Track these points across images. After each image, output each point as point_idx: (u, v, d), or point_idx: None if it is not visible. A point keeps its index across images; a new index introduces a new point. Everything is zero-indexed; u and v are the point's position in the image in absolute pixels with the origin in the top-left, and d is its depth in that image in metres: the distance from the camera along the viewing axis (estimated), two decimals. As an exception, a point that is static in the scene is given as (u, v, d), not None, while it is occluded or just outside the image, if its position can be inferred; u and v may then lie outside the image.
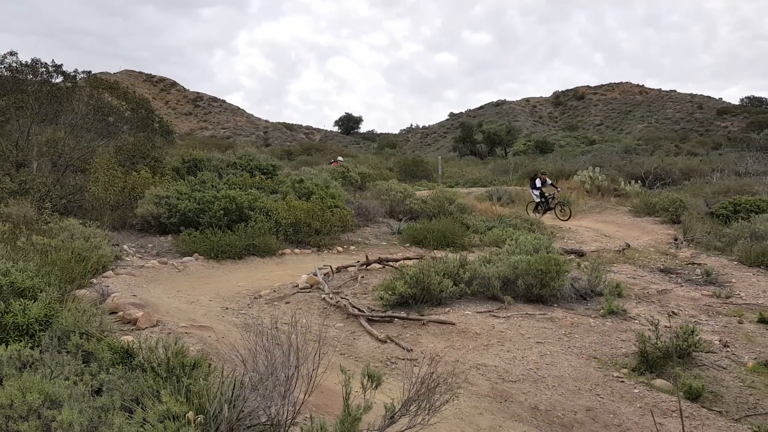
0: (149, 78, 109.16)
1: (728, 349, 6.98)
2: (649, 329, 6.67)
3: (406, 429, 3.11)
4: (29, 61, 15.91)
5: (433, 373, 3.40)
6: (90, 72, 17.90)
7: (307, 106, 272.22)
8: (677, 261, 12.43)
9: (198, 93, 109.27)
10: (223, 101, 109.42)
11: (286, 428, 3.19)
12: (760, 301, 9.27)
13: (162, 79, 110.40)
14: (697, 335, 6.48)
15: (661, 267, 11.70)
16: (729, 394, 5.87)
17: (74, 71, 16.64)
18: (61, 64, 16.27)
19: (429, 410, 3.19)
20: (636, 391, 5.83)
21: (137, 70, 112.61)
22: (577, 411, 5.42)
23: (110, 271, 9.01)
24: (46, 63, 16.12)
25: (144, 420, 2.86)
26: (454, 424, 4.90)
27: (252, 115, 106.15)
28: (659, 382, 6.00)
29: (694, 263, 12.05)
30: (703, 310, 8.72)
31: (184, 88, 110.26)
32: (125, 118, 17.66)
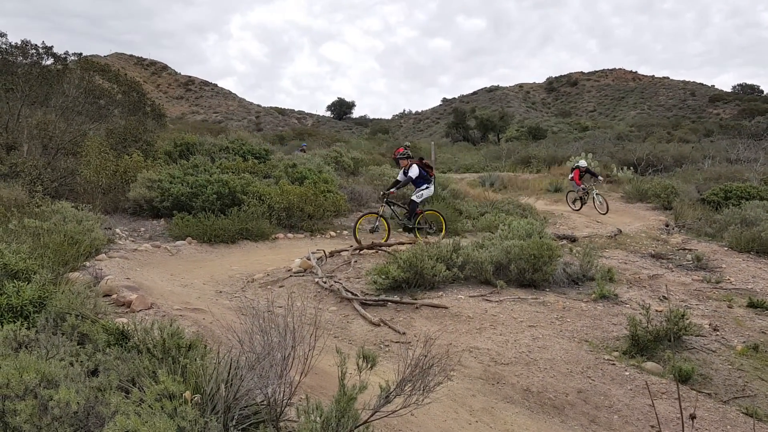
0: (140, 61, 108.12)
1: (718, 332, 7.07)
2: (640, 313, 6.74)
3: (400, 408, 3.14)
4: (19, 43, 15.76)
5: (427, 354, 3.43)
6: (81, 54, 17.75)
7: (300, 91, 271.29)
8: (668, 246, 12.52)
9: (189, 77, 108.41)
10: (215, 85, 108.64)
11: (282, 408, 3.22)
12: (749, 286, 9.38)
13: (153, 63, 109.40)
14: (687, 319, 6.55)
15: (653, 252, 11.79)
16: (718, 376, 5.95)
17: (65, 53, 16.50)
18: (52, 46, 16.14)
19: (423, 390, 3.22)
20: (627, 373, 5.90)
21: (128, 53, 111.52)
22: (569, 393, 5.48)
23: (103, 255, 8.99)
24: (36, 45, 15.98)
25: (141, 400, 2.87)
26: (448, 406, 4.95)
27: (244, 100, 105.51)
28: (650, 364, 6.07)
29: (685, 249, 12.15)
30: (694, 295, 8.81)
31: (175, 72, 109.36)
32: (116, 101, 17.55)
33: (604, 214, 17.40)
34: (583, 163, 18.90)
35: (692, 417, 2.18)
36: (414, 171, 11.64)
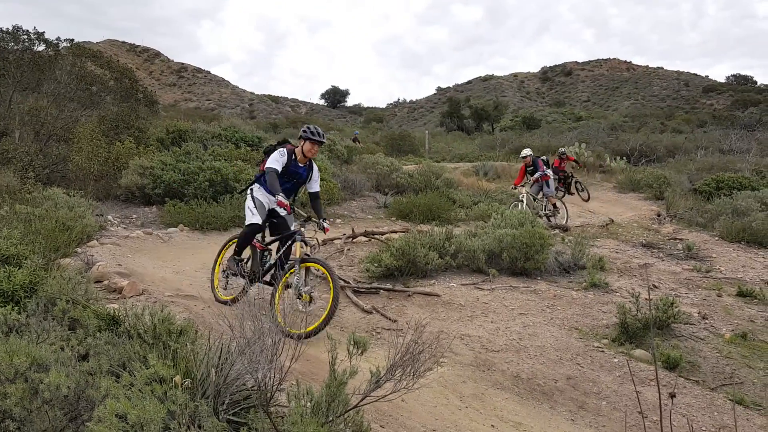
0: (133, 48, 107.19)
1: (706, 321, 7.14)
2: (629, 301, 6.79)
3: (390, 393, 3.16)
4: (10, 29, 15.59)
5: (417, 340, 3.45)
6: (73, 40, 17.58)
7: (295, 79, 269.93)
8: (660, 236, 12.59)
9: (182, 64, 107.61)
10: (208, 72, 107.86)
11: (273, 393, 3.23)
12: (739, 276, 9.46)
13: (146, 50, 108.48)
14: (676, 307, 6.62)
15: (644, 242, 11.86)
16: (706, 364, 6.01)
17: (56, 39, 16.34)
18: (43, 32, 15.98)
19: (413, 375, 3.24)
20: (615, 360, 5.95)
21: (121, 39, 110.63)
22: (558, 379, 5.53)
23: (95, 241, 8.96)
24: (27, 30, 15.82)
25: (131, 384, 2.88)
26: (438, 392, 4.99)
27: (237, 87, 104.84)
28: (638, 352, 6.13)
29: (676, 238, 12.22)
30: (684, 284, 8.88)
31: (168, 59, 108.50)
32: (109, 87, 17.39)
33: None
34: (526, 152, 14.52)
35: (672, 396, 2.20)
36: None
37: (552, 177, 14.75)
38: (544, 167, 14.27)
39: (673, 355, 5.91)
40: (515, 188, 14.41)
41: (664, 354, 5.95)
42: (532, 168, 14.22)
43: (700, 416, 5.04)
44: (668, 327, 6.63)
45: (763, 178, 18.07)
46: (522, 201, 13.51)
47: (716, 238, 12.29)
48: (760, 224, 12.00)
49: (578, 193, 18.00)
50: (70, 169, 12.59)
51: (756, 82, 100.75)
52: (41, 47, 15.97)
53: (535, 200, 13.99)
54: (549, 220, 13.73)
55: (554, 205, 14.17)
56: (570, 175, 18.19)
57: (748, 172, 18.62)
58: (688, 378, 5.71)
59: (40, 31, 15.90)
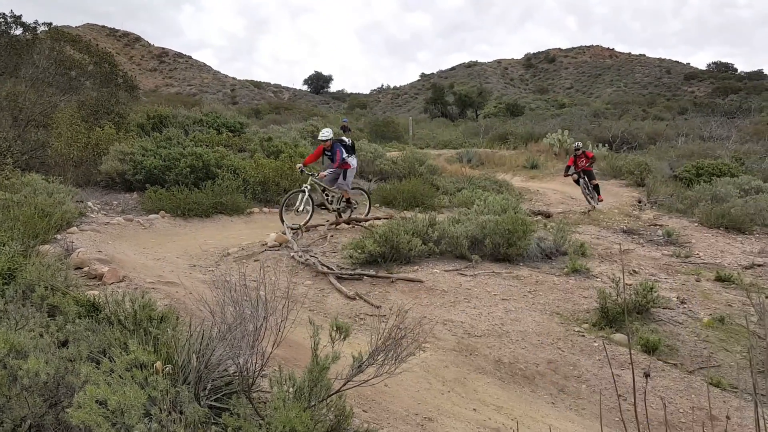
0: (112, 32, 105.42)
1: (685, 305, 7.24)
2: (610, 287, 6.87)
3: (373, 378, 3.18)
4: (-15, 12, 15.28)
5: (400, 325, 3.46)
6: (51, 24, 17.29)
7: (277, 65, 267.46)
8: (640, 222, 12.73)
9: (163, 48, 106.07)
10: (189, 57, 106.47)
11: (255, 379, 3.23)
12: (717, 261, 9.60)
13: (126, 34, 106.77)
14: (655, 292, 6.71)
15: (625, 228, 11.98)
16: (684, 347, 6.11)
17: (35, 23, 16.06)
18: (21, 15, 15.71)
19: (396, 360, 3.26)
20: (595, 344, 6.03)
21: (101, 24, 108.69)
22: (539, 363, 5.59)
23: (75, 228, 8.86)
24: (4, 14, 15.55)
25: (111, 370, 2.86)
26: (421, 376, 5.02)
27: (219, 72, 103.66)
28: (618, 336, 6.21)
29: (656, 224, 12.36)
30: (663, 269, 8.99)
31: (149, 44, 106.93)
32: (88, 72, 17.11)
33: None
34: (325, 133, 11.04)
35: (646, 375, 2.24)
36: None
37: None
38: (344, 154, 10.66)
39: (652, 339, 5.99)
40: (302, 170, 10.60)
41: (643, 338, 6.03)
42: (330, 153, 10.85)
43: (677, 398, 5.13)
44: (648, 311, 6.72)
45: (743, 164, 18.31)
46: (304, 192, 10.34)
47: (696, 224, 12.45)
48: (739, 210, 12.17)
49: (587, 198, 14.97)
50: (49, 155, 12.41)
51: (736, 70, 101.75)
52: (18, 31, 15.70)
53: (325, 191, 10.78)
54: (340, 216, 10.97)
55: (348, 200, 11.06)
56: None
57: (727, 159, 18.84)
58: (666, 361, 5.81)
59: (18, 14, 15.62)
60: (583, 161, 14.81)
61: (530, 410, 4.82)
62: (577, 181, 14.98)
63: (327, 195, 10.83)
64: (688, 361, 5.86)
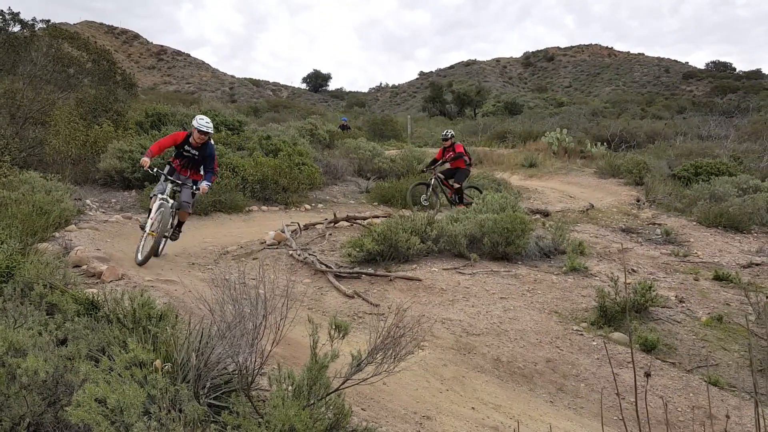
0: (111, 30, 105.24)
1: (683, 304, 7.24)
2: (608, 285, 6.88)
3: (372, 376, 3.18)
4: (-17, 9, 15.24)
5: (398, 324, 3.46)
6: (49, 21, 17.26)
7: (276, 63, 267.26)
8: (639, 221, 12.73)
9: (161, 46, 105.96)
10: (188, 55, 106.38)
11: (254, 377, 3.23)
12: (715, 260, 9.60)
13: (124, 31, 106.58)
14: (654, 291, 6.71)
15: (623, 227, 11.98)
16: (682, 346, 6.11)
17: (32, 20, 16.03)
18: (18, 12, 15.68)
19: (394, 359, 3.26)
20: (594, 343, 6.03)
21: (99, 21, 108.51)
22: (538, 362, 5.59)
23: (73, 225, 8.85)
24: (1, 10, 15.53)
25: (110, 368, 2.86)
26: (419, 375, 5.02)
27: (218, 70, 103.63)
28: (617, 335, 6.22)
29: (654, 223, 12.37)
30: (662, 268, 9.00)
31: (147, 41, 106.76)
32: (86, 69, 17.08)
33: None
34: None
35: (647, 375, 2.23)
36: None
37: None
38: None
39: (651, 338, 6.00)
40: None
41: (642, 337, 6.04)
42: None
43: (676, 397, 5.14)
44: (646, 310, 6.73)
45: (741, 164, 18.31)
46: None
47: (694, 223, 12.46)
48: (737, 209, 12.17)
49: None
50: (47, 152, 12.39)
51: (735, 69, 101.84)
52: (16, 28, 15.68)
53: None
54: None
55: None
56: None
57: (726, 158, 18.84)
58: (664, 360, 5.81)
59: (15, 11, 15.60)
60: (449, 154, 12.67)
61: (529, 409, 4.82)
62: (429, 182, 12.71)
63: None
64: (687, 360, 5.86)
